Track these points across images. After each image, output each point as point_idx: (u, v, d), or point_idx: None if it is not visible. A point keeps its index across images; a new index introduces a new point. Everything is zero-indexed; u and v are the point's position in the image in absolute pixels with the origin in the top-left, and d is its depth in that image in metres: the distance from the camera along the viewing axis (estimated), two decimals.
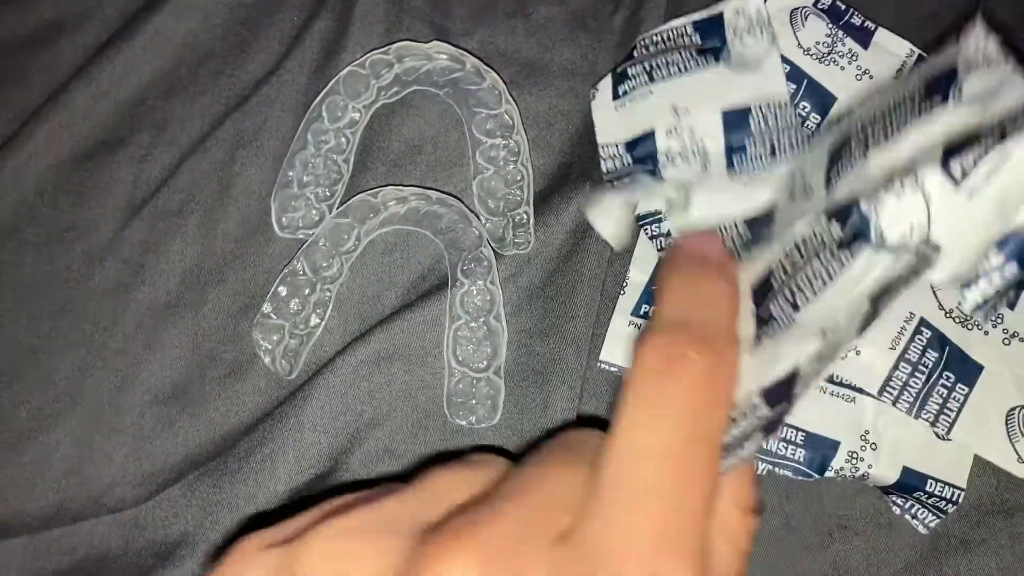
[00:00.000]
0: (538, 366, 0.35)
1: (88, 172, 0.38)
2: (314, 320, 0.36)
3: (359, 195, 0.36)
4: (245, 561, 0.20)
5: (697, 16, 0.36)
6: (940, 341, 0.33)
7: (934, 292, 0.34)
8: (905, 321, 0.33)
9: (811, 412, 0.33)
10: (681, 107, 0.35)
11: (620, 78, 0.36)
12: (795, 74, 0.35)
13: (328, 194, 0.37)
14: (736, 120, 0.34)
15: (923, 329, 0.33)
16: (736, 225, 0.28)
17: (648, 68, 0.36)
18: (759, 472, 0.33)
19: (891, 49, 0.36)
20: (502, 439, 0.35)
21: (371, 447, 0.34)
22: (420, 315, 0.35)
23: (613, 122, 0.36)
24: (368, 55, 0.38)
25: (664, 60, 0.35)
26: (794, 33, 0.36)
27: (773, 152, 0.34)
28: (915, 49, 0.36)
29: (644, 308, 0.35)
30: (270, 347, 0.35)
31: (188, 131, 0.38)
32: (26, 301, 0.37)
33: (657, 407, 0.18)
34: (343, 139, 0.37)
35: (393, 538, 0.19)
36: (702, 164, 0.34)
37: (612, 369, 0.35)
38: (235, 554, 0.21)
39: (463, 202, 0.36)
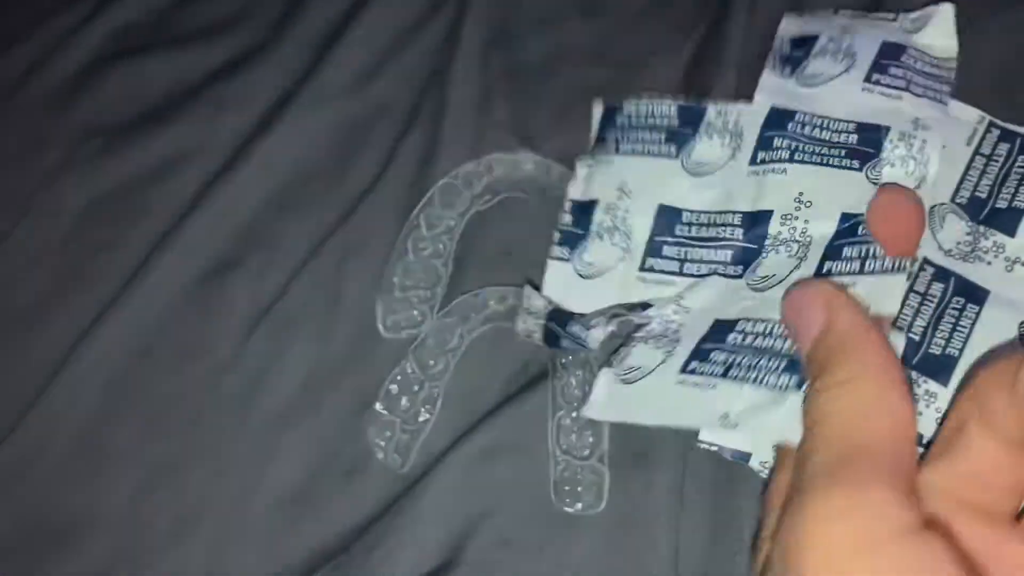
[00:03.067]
0: (639, 448, 0.36)
1: (210, 292, 0.41)
2: (423, 415, 0.38)
3: (462, 296, 0.39)
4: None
5: (684, 102, 0.37)
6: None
7: (933, 235, 0.34)
8: None
9: None
10: (627, 188, 0.36)
11: (597, 141, 0.38)
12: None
13: (429, 295, 0.39)
14: (667, 218, 0.35)
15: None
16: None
17: (618, 137, 0.37)
18: None
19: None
20: (610, 523, 0.36)
21: (485, 538, 0.36)
22: (523, 407, 0.37)
23: (579, 178, 0.37)
24: (461, 167, 0.40)
25: (636, 134, 0.37)
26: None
27: (681, 268, 0.35)
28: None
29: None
30: (383, 443, 0.37)
31: (298, 247, 0.41)
32: (160, 416, 0.40)
33: None
34: (440, 245, 0.40)
35: None
36: (623, 250, 0.36)
37: (711, 448, 0.36)
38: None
39: None
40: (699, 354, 0.32)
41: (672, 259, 0.35)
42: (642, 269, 0.36)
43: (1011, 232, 0.34)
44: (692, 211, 0.35)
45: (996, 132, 0.35)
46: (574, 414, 0.36)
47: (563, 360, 0.37)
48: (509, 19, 0.44)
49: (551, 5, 0.45)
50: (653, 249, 0.36)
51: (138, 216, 0.43)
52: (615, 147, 0.37)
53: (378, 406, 0.38)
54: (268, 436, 0.39)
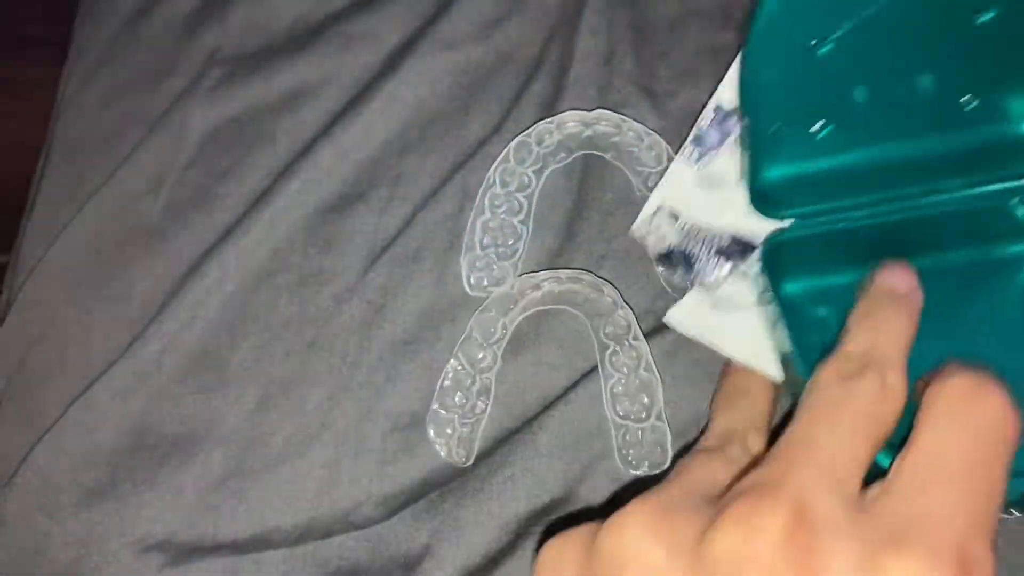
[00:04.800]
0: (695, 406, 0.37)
1: (332, 223, 0.42)
2: (480, 406, 0.39)
3: (498, 290, 0.39)
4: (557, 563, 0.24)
5: None
6: None
7: None
8: None
9: None
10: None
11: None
12: None
13: (510, 252, 0.40)
14: None
15: None
16: None
17: None
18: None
19: None
20: None
21: (600, 478, 0.37)
22: (577, 387, 0.38)
23: (731, 80, 0.38)
24: (535, 125, 0.41)
25: None
26: None
27: None
28: None
29: None
30: (444, 440, 0.38)
31: (420, 186, 0.42)
32: (280, 338, 0.41)
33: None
34: (516, 202, 0.41)
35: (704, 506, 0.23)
36: None
37: None
38: (545, 559, 0.24)
39: (595, 275, 0.39)
40: None
41: None
42: None
43: None
44: None
45: None
46: (624, 380, 0.37)
47: (606, 331, 0.38)
48: None
49: None
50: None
51: (263, 145, 0.44)
52: None
53: (435, 405, 0.39)
54: (386, 364, 0.40)
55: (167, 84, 0.47)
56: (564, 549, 0.24)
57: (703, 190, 0.37)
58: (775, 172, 0.36)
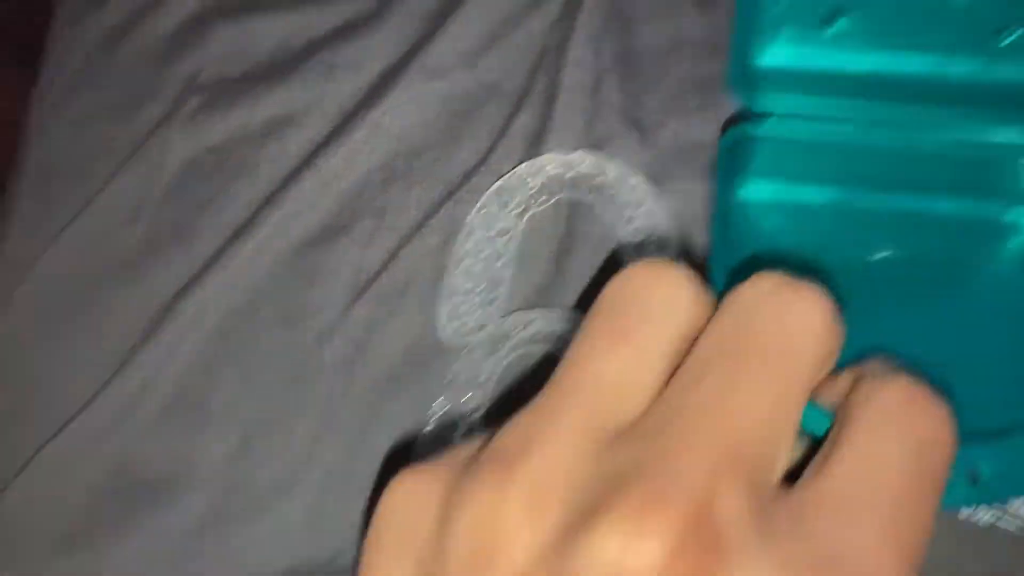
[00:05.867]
0: None
1: (315, 256, 0.41)
2: None
3: (485, 329, 0.39)
4: (407, 493, 0.18)
5: None
6: None
7: None
8: None
9: None
10: None
11: None
12: None
13: (490, 299, 0.40)
14: None
15: None
16: None
17: None
18: (983, 523, 0.34)
19: None
20: None
21: None
22: None
23: None
24: (515, 169, 0.41)
25: None
26: None
27: None
28: None
29: None
30: None
31: (406, 218, 0.42)
32: (262, 376, 0.40)
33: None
34: (498, 246, 0.40)
35: None
36: None
37: None
38: (395, 487, 0.18)
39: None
40: None
41: None
42: None
43: None
44: None
45: None
46: None
47: None
48: (624, 6, 0.44)
49: None
50: None
51: (243, 175, 0.43)
52: None
53: (421, 451, 0.38)
54: (371, 402, 0.39)
55: (144, 111, 0.45)
56: (416, 493, 0.18)
57: None
58: (770, 56, 0.33)
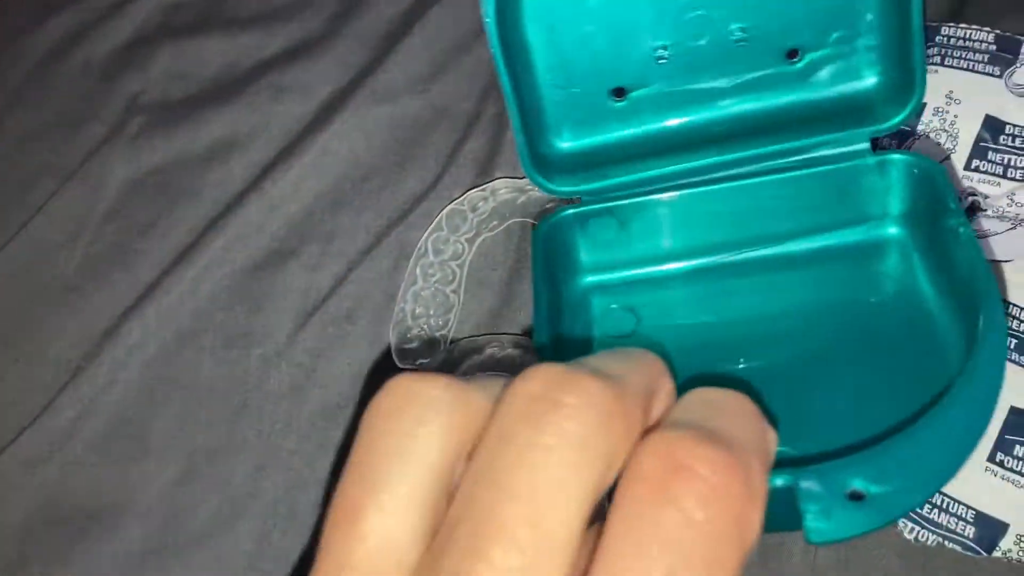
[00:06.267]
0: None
1: (261, 281, 0.41)
2: None
3: (436, 354, 0.38)
4: (412, 397, 0.16)
5: (1000, 31, 0.39)
6: None
7: None
8: None
9: (982, 493, 0.34)
10: (954, 96, 0.38)
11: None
12: None
13: (441, 323, 0.39)
14: (993, 128, 0.37)
15: None
16: None
17: (942, 52, 0.39)
18: (930, 543, 0.34)
19: None
20: None
21: None
22: None
23: None
24: (467, 193, 0.41)
25: (958, 52, 0.39)
26: None
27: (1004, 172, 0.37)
28: None
29: None
30: None
31: (354, 242, 0.41)
32: (205, 403, 0.39)
33: None
34: (449, 271, 0.40)
35: None
36: (950, 147, 0.38)
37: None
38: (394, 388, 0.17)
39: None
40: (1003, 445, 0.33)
41: (997, 164, 0.37)
42: (967, 169, 0.38)
43: None
44: (1014, 124, 0.37)
45: None
46: None
47: None
48: None
49: None
50: (979, 152, 0.37)
51: (187, 198, 0.42)
52: (939, 60, 0.39)
53: None
54: (318, 431, 0.38)
55: (84, 131, 0.44)
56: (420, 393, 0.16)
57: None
58: (561, 141, 0.34)
